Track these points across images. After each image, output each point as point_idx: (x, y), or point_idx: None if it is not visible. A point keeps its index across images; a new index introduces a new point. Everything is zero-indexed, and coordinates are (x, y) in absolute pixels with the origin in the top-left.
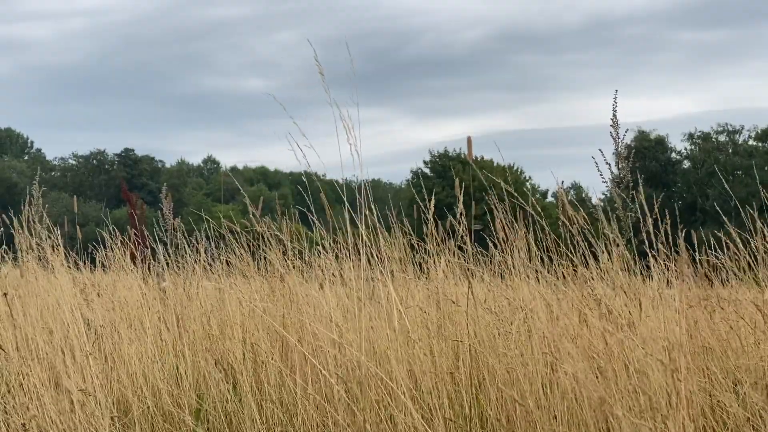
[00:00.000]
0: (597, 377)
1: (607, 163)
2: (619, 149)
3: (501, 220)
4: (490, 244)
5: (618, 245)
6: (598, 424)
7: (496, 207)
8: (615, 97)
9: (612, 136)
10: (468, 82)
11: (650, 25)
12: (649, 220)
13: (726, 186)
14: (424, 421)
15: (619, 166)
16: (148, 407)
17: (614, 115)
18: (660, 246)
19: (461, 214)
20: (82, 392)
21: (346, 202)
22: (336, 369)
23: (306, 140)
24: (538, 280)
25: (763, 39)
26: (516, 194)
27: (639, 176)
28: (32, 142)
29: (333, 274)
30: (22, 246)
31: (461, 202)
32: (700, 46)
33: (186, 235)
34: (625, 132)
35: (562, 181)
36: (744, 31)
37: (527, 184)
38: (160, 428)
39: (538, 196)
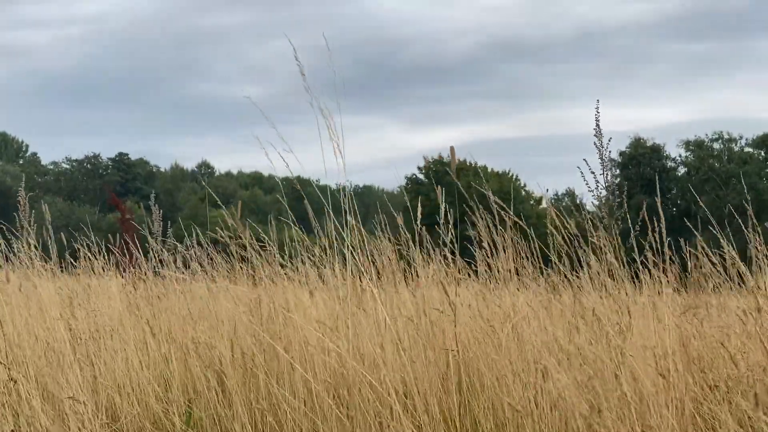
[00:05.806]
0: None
1: (591, 171)
2: (604, 158)
3: (482, 226)
4: (478, 251)
5: (606, 253)
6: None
7: (481, 214)
8: (597, 108)
9: (596, 145)
10: (460, 90)
11: (639, 36)
12: (649, 229)
13: (717, 194)
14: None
15: (605, 175)
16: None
17: (597, 125)
18: (648, 254)
19: (446, 219)
20: (70, 399)
21: (328, 209)
22: (325, 375)
23: (286, 145)
24: (519, 289)
25: (749, 51)
26: (506, 200)
27: (626, 183)
28: (27, 146)
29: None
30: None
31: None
32: (688, 57)
33: (176, 241)
34: (609, 141)
35: (554, 191)
36: (730, 44)
37: (522, 191)
38: None
39: (533, 202)
